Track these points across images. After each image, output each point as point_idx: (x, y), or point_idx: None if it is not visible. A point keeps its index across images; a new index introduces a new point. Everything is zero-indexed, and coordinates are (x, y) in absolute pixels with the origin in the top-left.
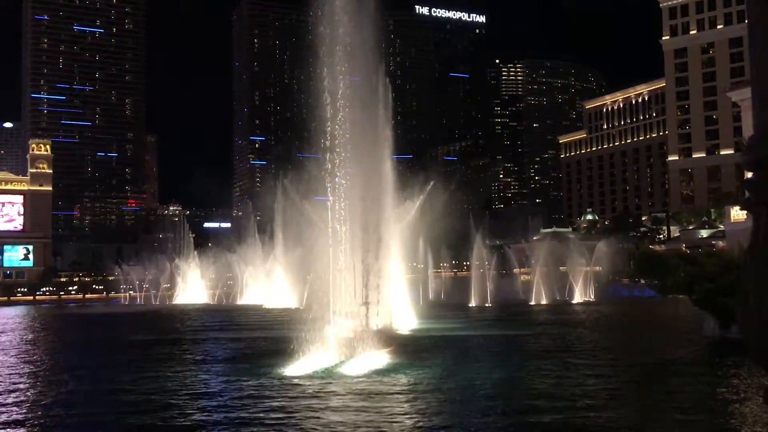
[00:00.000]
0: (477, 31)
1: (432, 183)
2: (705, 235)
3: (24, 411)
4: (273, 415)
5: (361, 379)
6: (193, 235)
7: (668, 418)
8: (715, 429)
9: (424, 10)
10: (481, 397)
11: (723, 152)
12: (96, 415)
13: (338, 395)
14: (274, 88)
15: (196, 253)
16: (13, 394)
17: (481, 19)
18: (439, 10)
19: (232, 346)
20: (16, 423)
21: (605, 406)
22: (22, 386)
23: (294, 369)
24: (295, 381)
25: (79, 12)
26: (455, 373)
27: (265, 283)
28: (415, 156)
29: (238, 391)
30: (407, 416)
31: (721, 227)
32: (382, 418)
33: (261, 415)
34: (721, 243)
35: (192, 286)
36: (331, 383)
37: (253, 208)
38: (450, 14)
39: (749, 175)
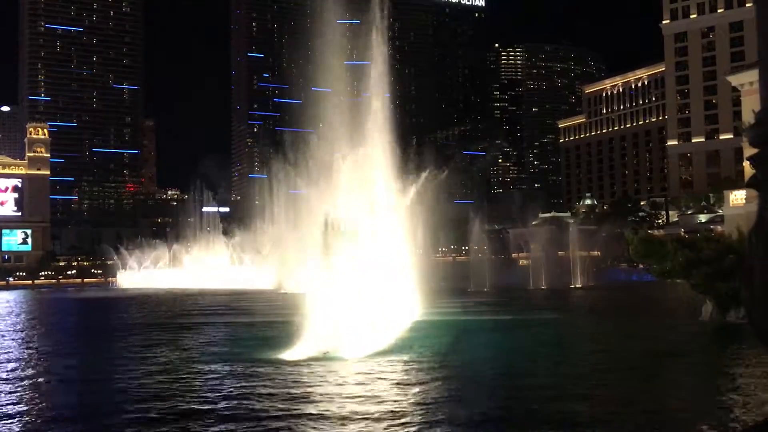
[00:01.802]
0: (476, 14)
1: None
2: (704, 220)
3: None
4: None
5: None
6: (191, 219)
7: (670, 405)
8: (717, 414)
9: None
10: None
11: (722, 137)
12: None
13: None
14: (272, 72)
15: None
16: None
17: (481, 2)
18: None
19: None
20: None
21: (604, 394)
22: (17, 372)
23: None
24: None
25: None
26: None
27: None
28: (414, 140)
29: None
30: None
31: (720, 212)
32: None
33: None
34: (719, 228)
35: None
36: None
37: (251, 192)
38: None
39: (755, 152)
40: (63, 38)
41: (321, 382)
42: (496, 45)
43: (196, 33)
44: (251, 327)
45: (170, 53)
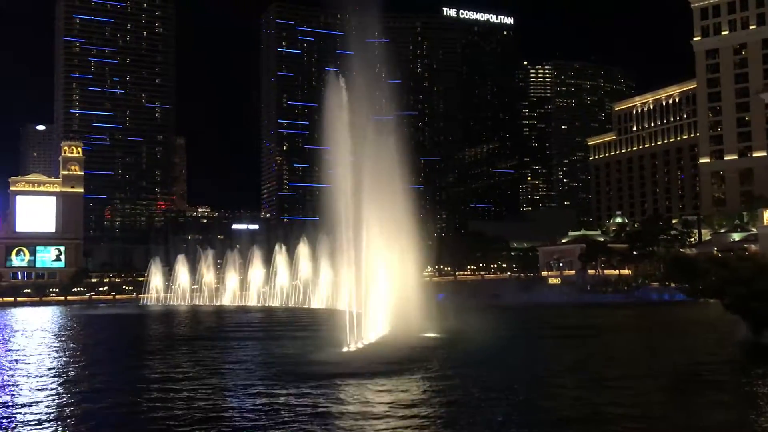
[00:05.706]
0: (505, 32)
1: None
2: (737, 239)
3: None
4: None
5: None
6: (221, 237)
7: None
8: None
9: (452, 12)
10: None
11: (756, 154)
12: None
13: None
14: (301, 91)
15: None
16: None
17: (509, 20)
18: (466, 12)
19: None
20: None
21: (641, 420)
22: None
23: None
24: None
25: (110, 16)
26: None
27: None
28: (443, 158)
29: None
30: None
31: (754, 230)
32: None
33: None
34: (753, 246)
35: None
36: None
37: (279, 211)
38: (478, 16)
39: None
40: (97, 58)
41: (327, 402)
42: (525, 63)
43: (227, 51)
44: (277, 341)
45: (201, 72)
